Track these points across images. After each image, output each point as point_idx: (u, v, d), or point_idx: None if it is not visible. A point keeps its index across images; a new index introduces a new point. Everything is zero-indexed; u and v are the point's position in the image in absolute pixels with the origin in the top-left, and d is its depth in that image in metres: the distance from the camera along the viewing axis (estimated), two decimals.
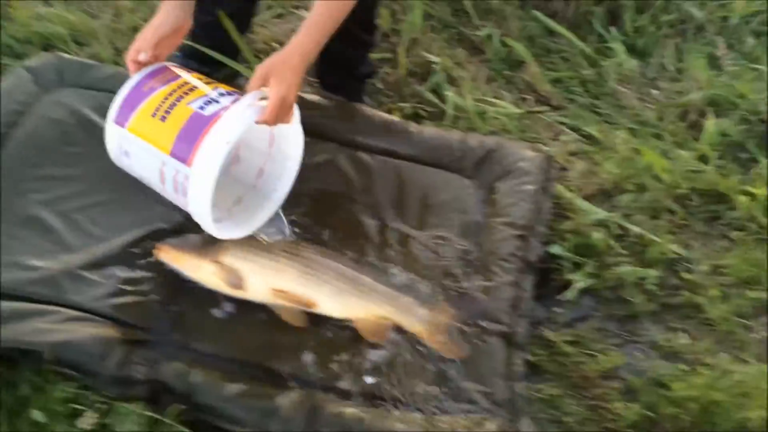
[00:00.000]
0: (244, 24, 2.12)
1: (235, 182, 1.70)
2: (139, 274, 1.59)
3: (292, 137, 1.64)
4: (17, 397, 1.39)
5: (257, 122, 1.46)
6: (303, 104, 1.92)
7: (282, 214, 1.65)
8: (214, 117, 1.45)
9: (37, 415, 1.33)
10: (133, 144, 1.52)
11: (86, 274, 1.56)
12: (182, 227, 1.68)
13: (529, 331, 1.63)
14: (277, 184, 1.68)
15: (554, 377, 1.62)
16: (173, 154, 1.46)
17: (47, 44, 2.23)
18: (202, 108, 1.47)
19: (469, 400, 1.47)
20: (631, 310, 1.77)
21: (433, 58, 2.33)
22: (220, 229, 1.52)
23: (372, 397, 1.46)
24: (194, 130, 1.45)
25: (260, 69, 1.49)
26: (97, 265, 1.59)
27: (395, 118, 2.00)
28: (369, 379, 1.49)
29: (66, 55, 2.03)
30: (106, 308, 1.52)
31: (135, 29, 2.21)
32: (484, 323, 1.57)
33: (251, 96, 1.48)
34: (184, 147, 1.44)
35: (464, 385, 1.49)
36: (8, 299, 1.49)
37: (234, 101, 1.49)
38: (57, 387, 1.38)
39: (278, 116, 1.47)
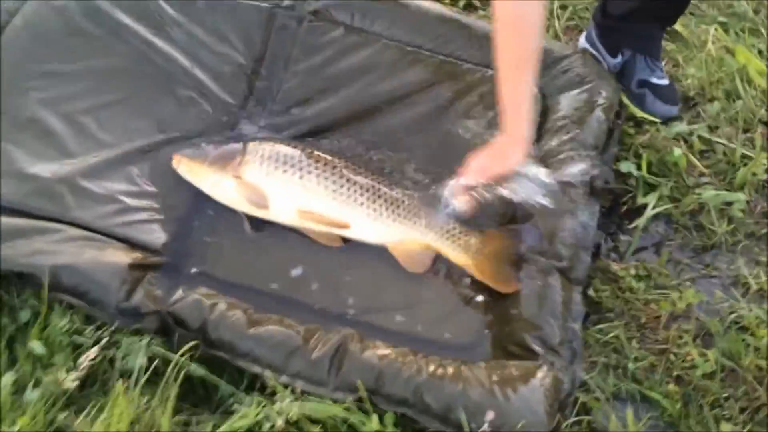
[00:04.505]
0: None
1: None
2: (151, 188, 1.42)
3: None
4: (18, 324, 1.26)
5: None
6: None
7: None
8: None
9: (36, 346, 1.20)
10: None
11: (92, 186, 1.39)
12: (201, 135, 1.49)
13: (590, 264, 1.42)
14: None
15: (618, 316, 1.42)
16: None
17: None
18: None
19: (518, 343, 1.29)
20: (710, 240, 1.54)
21: None
22: None
23: (404, 338, 1.29)
24: None
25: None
26: (104, 176, 1.41)
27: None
28: (402, 317, 1.32)
29: None
30: (114, 227, 1.35)
31: None
32: (539, 256, 1.37)
33: None
34: None
35: (513, 326, 1.31)
36: (7, 214, 1.33)
37: None
38: (58, 315, 1.24)
39: None
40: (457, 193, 1.36)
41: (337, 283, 1.36)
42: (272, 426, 1.14)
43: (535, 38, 1.30)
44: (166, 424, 1.14)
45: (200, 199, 1.42)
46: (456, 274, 1.38)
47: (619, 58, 1.72)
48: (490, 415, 1.14)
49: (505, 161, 1.33)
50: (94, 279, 1.25)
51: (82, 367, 1.15)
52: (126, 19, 1.62)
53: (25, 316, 1.26)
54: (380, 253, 1.39)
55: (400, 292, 1.36)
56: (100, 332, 1.21)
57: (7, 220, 1.31)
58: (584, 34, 1.79)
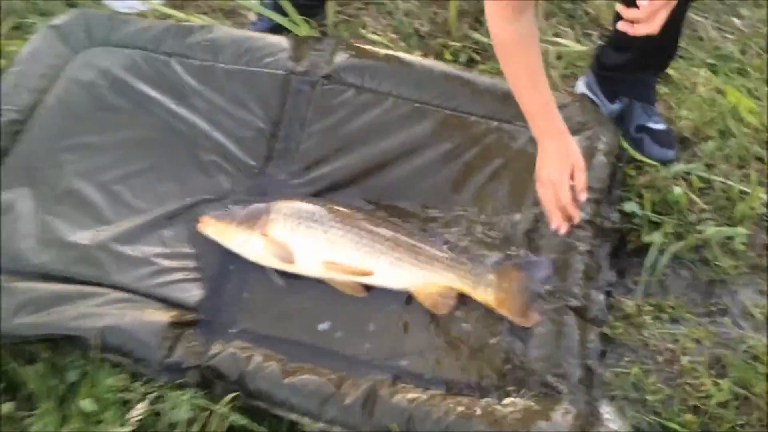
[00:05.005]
0: None
1: None
2: (184, 249, 1.50)
3: None
4: (66, 384, 1.33)
5: None
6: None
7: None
8: None
9: (86, 404, 1.27)
10: None
11: (129, 251, 1.48)
12: (226, 197, 1.58)
13: (605, 303, 1.49)
14: None
15: (634, 352, 1.48)
16: None
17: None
18: None
19: (540, 381, 1.35)
20: (717, 274, 1.61)
21: None
22: None
23: (430, 380, 1.36)
24: None
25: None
26: (139, 240, 1.50)
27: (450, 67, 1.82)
28: (425, 360, 1.38)
29: (94, 11, 1.90)
30: (152, 288, 1.44)
31: None
32: (553, 297, 1.44)
33: None
34: None
35: (534, 366, 1.37)
36: (51, 281, 1.42)
37: None
38: (106, 373, 1.31)
39: None
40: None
41: (362, 331, 1.43)
42: None
43: (534, 50, 1.41)
44: None
45: (230, 257, 1.50)
46: (476, 317, 1.44)
47: (617, 104, 1.82)
48: None
49: (568, 155, 1.45)
50: (138, 338, 1.33)
51: (132, 421, 1.21)
52: (151, 92, 1.73)
53: (72, 376, 1.33)
54: (402, 300, 1.46)
55: (422, 336, 1.42)
56: (145, 387, 1.28)
57: (54, 287, 1.40)
58: (583, 78, 1.89)
